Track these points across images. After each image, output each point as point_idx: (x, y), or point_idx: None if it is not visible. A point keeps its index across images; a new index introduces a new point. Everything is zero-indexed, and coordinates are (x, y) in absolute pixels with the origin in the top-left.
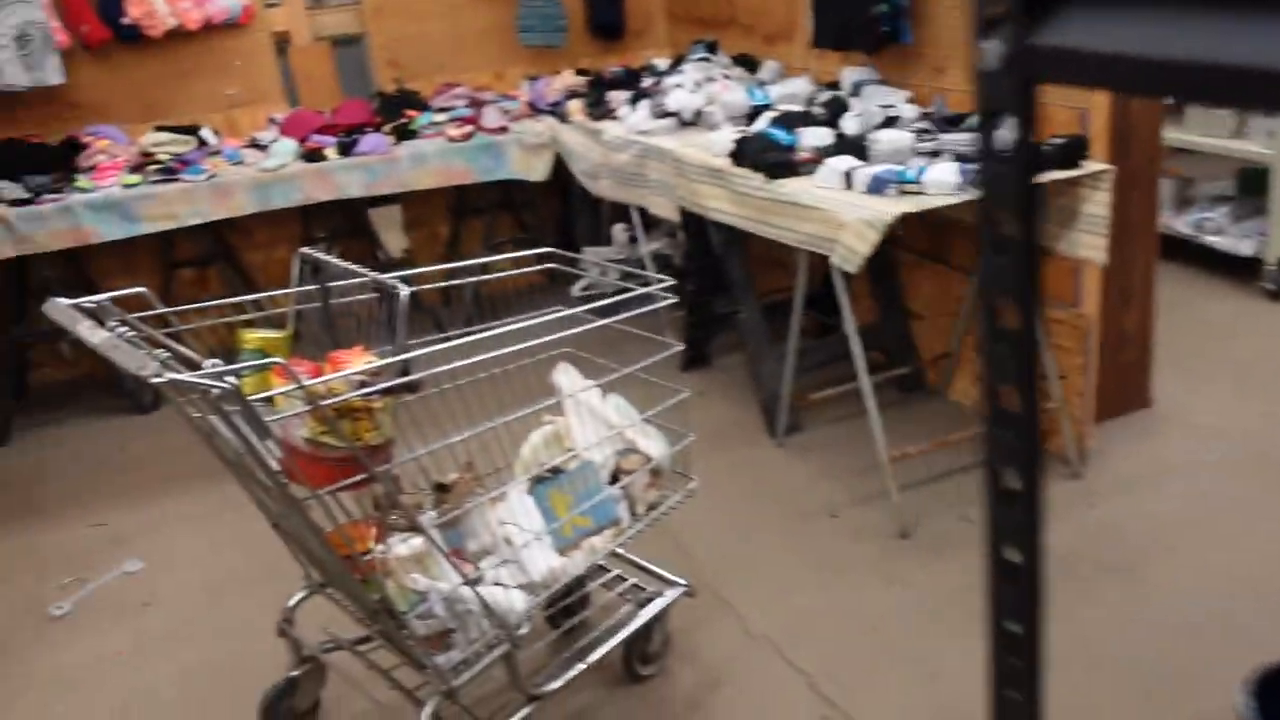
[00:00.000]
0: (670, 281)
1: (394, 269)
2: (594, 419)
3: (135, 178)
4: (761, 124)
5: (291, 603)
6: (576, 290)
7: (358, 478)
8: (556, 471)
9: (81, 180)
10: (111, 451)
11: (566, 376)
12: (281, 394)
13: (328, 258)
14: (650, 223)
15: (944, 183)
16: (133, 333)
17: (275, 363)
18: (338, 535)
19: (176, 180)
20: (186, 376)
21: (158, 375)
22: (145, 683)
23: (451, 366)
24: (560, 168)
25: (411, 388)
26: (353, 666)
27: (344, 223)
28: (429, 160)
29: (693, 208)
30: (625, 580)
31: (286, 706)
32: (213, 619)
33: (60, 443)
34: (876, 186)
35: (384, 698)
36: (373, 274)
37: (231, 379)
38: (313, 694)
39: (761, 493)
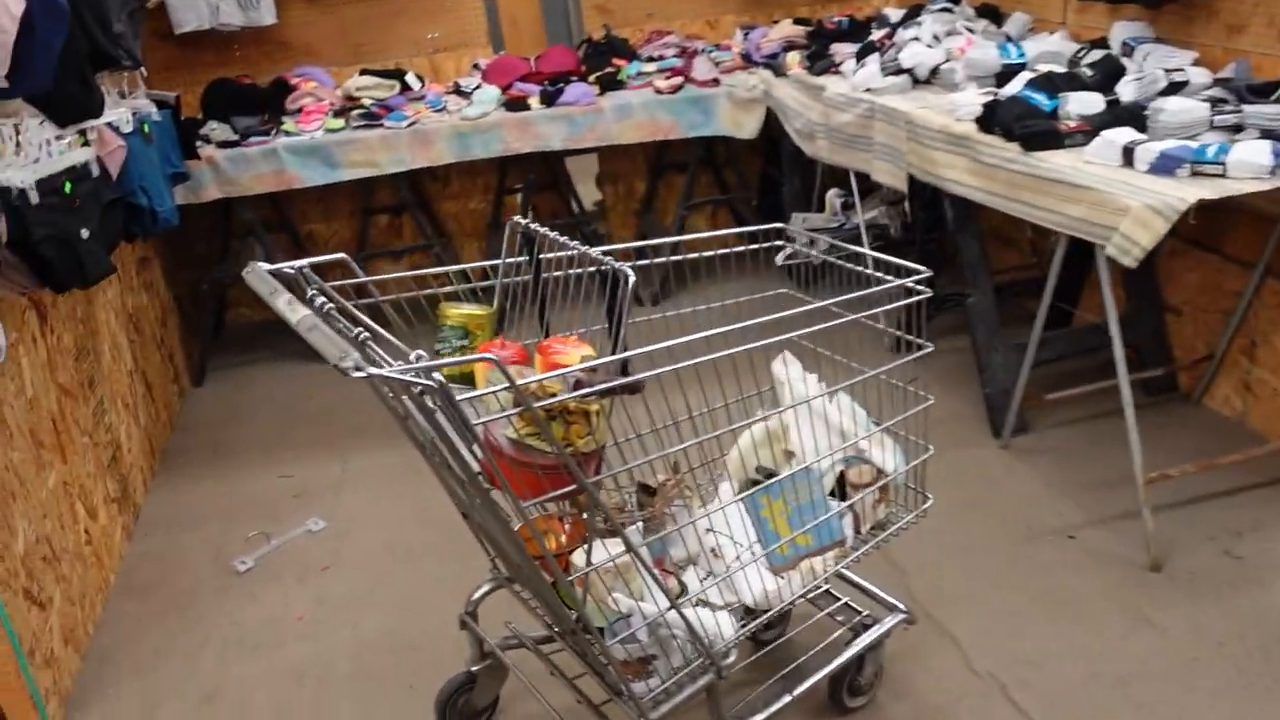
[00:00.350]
0: (927, 273)
1: (587, 223)
2: (818, 420)
3: (339, 122)
4: (1016, 86)
5: (476, 595)
6: (780, 259)
7: (565, 490)
8: (771, 476)
9: (288, 123)
10: (300, 399)
11: (789, 369)
12: (492, 393)
13: (543, 230)
14: (866, 189)
15: (1251, 164)
16: (331, 305)
17: (485, 358)
18: (528, 528)
19: (379, 126)
20: (390, 372)
21: (359, 369)
22: (322, 651)
23: (680, 366)
24: (769, 125)
25: (634, 389)
26: (531, 664)
27: (540, 174)
28: (634, 113)
29: (924, 177)
30: (834, 598)
31: (464, 702)
32: (392, 590)
33: (251, 385)
34: (1164, 166)
35: (558, 702)
36: (591, 250)
37: (438, 375)
38: (492, 691)
39: (984, 502)
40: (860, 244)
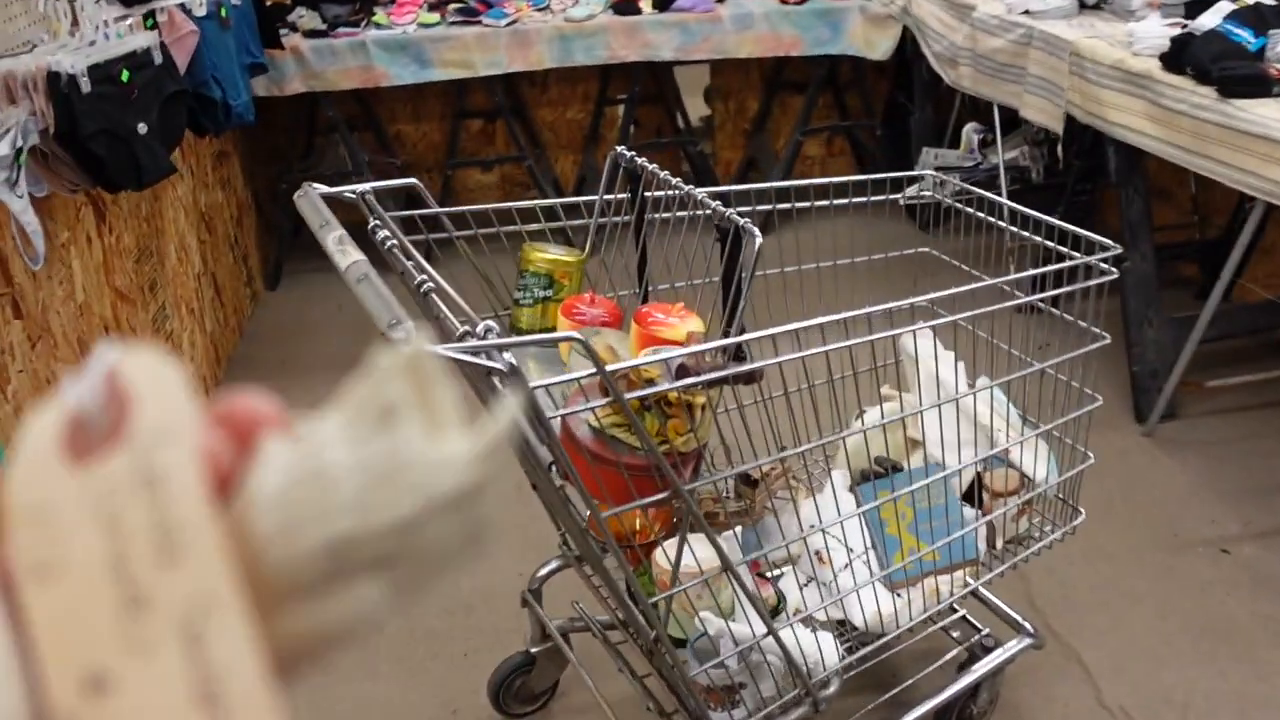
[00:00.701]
0: (1116, 250)
1: (693, 142)
2: (955, 408)
3: (434, 16)
4: (1213, 18)
5: (541, 573)
6: (904, 198)
7: (655, 498)
8: (893, 469)
9: (379, 15)
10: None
11: (923, 344)
12: (575, 380)
13: (651, 166)
14: (1008, 124)
15: None
16: (394, 241)
17: (570, 337)
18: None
19: (476, 24)
20: (452, 350)
21: (409, 343)
22: None
23: (810, 354)
24: (904, 46)
25: (750, 378)
26: (597, 648)
27: (645, 85)
28: (755, 24)
29: (1086, 119)
30: (950, 609)
31: (521, 684)
32: None
33: (327, 293)
34: None
35: (622, 693)
36: (706, 195)
37: (509, 356)
38: (551, 676)
39: (1122, 499)
40: (997, 187)
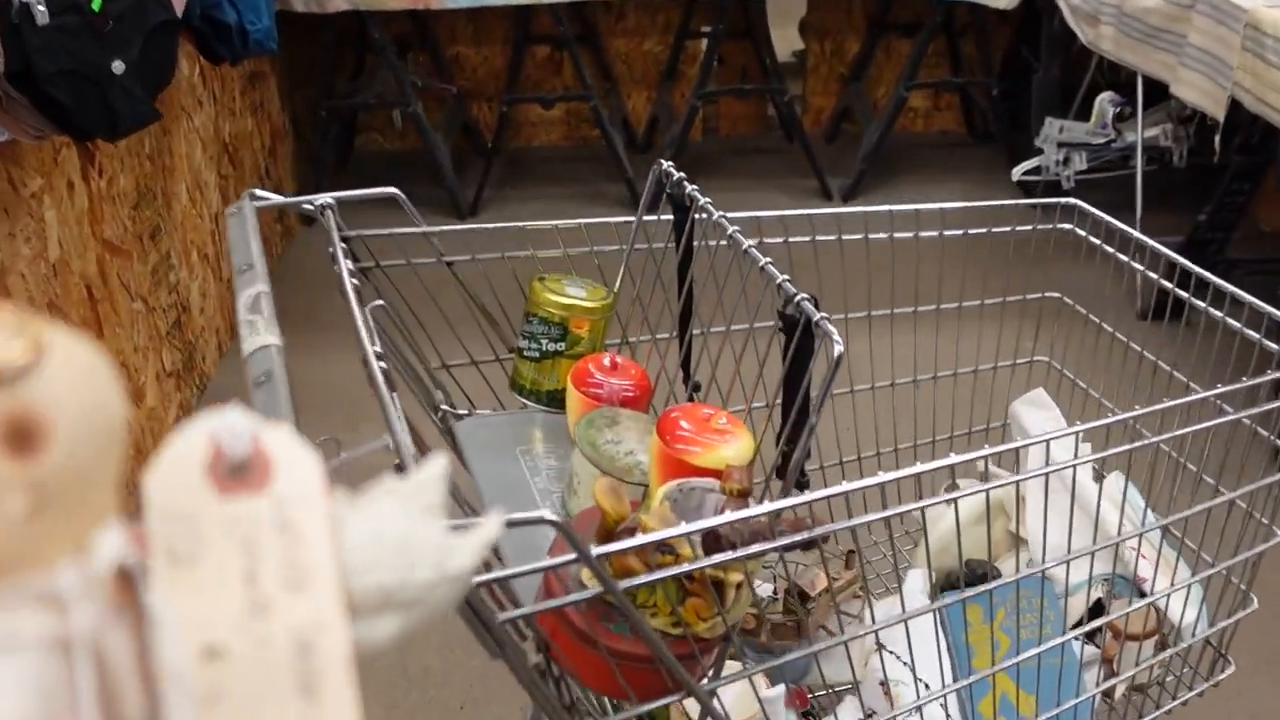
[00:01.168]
0: None
1: (781, 91)
2: (1079, 508)
3: None
4: None
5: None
6: (1018, 173)
7: (659, 703)
8: (981, 575)
9: None
10: (409, 272)
11: (1039, 415)
12: (556, 566)
13: (705, 200)
14: (1150, 97)
15: None
16: (355, 277)
17: (546, 520)
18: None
19: None
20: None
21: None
22: None
23: (898, 512)
24: None
25: (809, 545)
26: None
27: (733, 17)
28: None
29: (1257, 107)
30: None
31: None
32: None
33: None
34: None
35: None
36: (772, 267)
37: (463, 565)
38: None
39: (1259, 589)
40: (1131, 169)
